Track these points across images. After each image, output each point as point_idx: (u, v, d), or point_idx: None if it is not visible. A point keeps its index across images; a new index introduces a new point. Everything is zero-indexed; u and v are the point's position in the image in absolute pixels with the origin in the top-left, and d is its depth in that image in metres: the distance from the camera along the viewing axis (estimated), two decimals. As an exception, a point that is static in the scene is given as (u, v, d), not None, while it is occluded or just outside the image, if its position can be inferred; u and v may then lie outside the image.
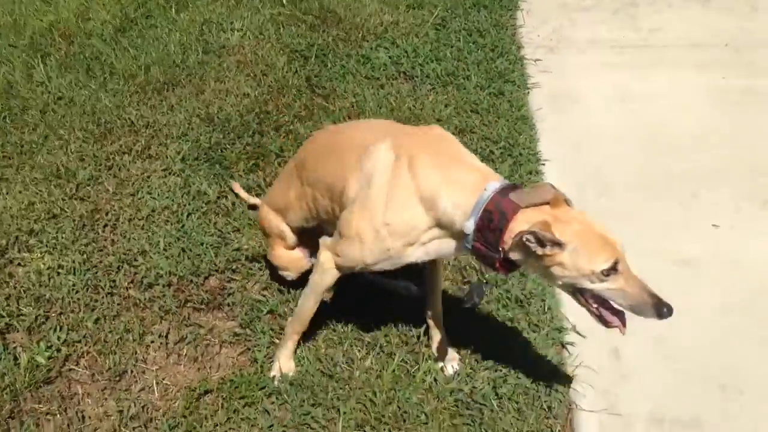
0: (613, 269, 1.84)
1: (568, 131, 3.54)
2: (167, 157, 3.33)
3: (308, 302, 2.29)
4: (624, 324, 1.93)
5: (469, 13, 4.46)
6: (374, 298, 2.63)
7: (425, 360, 2.42)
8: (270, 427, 2.26)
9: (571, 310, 2.49)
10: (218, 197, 3.11)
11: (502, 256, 1.89)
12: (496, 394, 2.31)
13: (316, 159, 2.29)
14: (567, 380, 2.36)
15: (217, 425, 2.26)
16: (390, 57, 4.04)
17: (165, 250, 2.85)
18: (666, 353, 2.46)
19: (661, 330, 2.23)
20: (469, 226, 1.91)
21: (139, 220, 3.00)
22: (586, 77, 3.94)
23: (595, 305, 1.92)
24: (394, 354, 2.44)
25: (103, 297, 2.67)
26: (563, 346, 2.49)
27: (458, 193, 1.93)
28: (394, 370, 2.38)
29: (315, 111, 3.63)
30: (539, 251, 1.83)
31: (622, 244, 1.86)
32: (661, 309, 1.84)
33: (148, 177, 3.22)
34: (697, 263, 2.78)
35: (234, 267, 2.80)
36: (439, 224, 1.97)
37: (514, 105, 3.63)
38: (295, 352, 2.42)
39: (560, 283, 1.91)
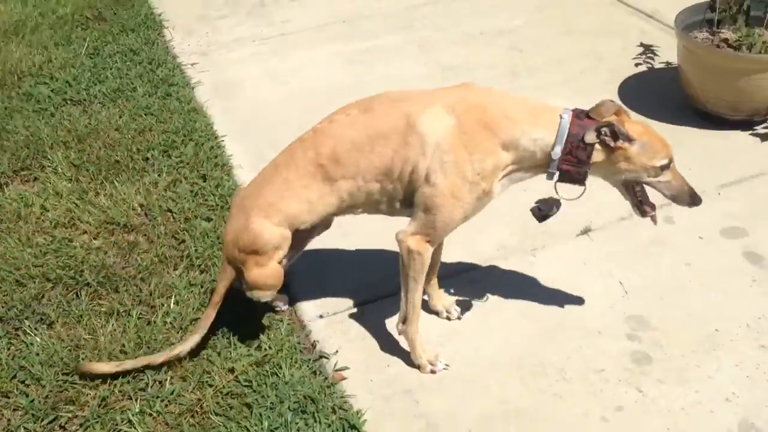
0: (667, 166, 2.25)
1: (237, 111, 4.05)
2: None
3: (419, 292, 2.37)
4: (655, 215, 2.37)
5: (119, 38, 4.77)
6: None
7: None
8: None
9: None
10: None
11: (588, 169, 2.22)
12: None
13: (356, 151, 2.22)
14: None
15: None
16: (52, 89, 4.20)
17: None
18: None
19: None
20: (557, 153, 2.19)
21: None
22: (240, 68, 4.49)
23: (640, 197, 2.34)
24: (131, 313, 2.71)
25: None
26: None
27: (535, 130, 2.19)
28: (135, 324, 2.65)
29: (-10, 149, 3.68)
30: (612, 144, 2.17)
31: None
32: (695, 200, 2.31)
33: None
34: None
35: None
36: (520, 159, 2.23)
37: (182, 101, 4.03)
38: None
39: (622, 177, 2.26)
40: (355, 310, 2.74)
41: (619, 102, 2.44)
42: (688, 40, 3.61)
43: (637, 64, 4.27)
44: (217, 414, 2.33)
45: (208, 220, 3.14)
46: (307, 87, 4.25)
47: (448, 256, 2.84)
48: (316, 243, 2.65)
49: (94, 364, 2.42)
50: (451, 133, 2.17)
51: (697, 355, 2.51)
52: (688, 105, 3.77)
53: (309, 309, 2.75)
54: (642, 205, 2.38)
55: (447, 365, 2.51)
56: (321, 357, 2.54)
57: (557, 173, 2.26)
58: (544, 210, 2.48)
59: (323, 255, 2.96)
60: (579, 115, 2.24)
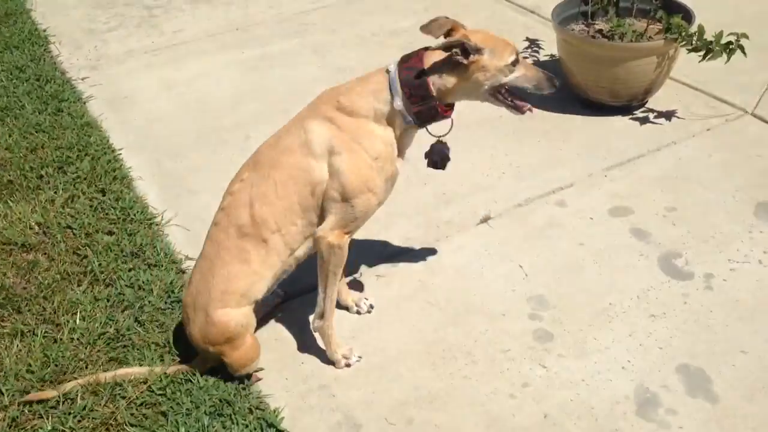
0: (516, 60, 2.29)
1: (133, 123, 3.98)
2: None
3: (336, 287, 2.44)
4: (531, 107, 2.40)
5: (2, 55, 4.59)
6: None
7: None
8: None
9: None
10: None
11: (437, 101, 2.25)
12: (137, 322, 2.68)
13: (268, 205, 2.29)
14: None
15: None
16: (-68, 111, 4.00)
17: None
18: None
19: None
20: (398, 103, 2.24)
21: None
22: (134, 80, 4.41)
23: (510, 98, 2.36)
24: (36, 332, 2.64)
25: None
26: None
27: (377, 92, 2.26)
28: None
29: None
30: (465, 61, 2.19)
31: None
32: (553, 81, 2.37)
33: None
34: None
35: None
36: (392, 124, 2.29)
37: (75, 116, 3.93)
38: None
39: (483, 88, 2.28)
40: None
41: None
42: (565, 33, 3.82)
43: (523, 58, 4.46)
44: (132, 425, 2.30)
45: (110, 233, 3.09)
46: (203, 96, 4.22)
47: (357, 251, 2.91)
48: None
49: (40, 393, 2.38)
50: (333, 136, 2.27)
51: (594, 329, 2.67)
52: (572, 94, 3.98)
53: (220, 315, 2.75)
54: (516, 104, 2.41)
55: (360, 357, 2.57)
56: (236, 361, 2.55)
57: (413, 118, 2.30)
58: (436, 156, 2.54)
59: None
60: (403, 59, 2.30)
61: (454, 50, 2.21)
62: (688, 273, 2.87)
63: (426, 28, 2.27)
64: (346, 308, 2.77)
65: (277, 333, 2.69)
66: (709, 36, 3.52)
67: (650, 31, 3.78)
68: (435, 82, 2.27)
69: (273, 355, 2.59)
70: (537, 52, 4.51)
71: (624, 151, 3.61)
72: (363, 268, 2.97)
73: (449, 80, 2.27)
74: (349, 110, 2.29)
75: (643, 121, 3.83)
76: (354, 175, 2.27)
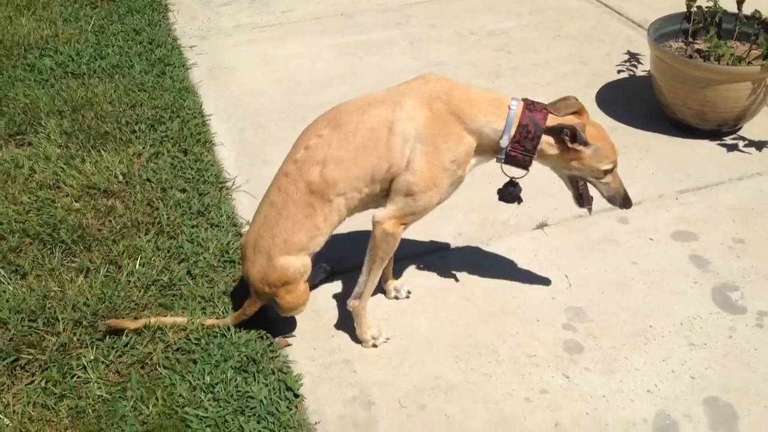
0: (611, 170, 2.43)
1: (227, 93, 4.22)
2: None
3: (380, 272, 2.53)
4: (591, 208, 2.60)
5: (125, 18, 4.96)
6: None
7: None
8: None
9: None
10: None
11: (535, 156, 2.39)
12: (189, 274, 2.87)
13: (342, 169, 2.34)
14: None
15: None
16: (55, 62, 4.38)
17: None
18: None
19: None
20: (505, 141, 2.35)
21: None
22: (236, 53, 4.66)
23: (581, 191, 2.54)
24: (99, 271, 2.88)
25: None
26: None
27: (493, 119, 2.33)
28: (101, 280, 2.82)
29: (-11, 113, 3.88)
30: (569, 144, 2.34)
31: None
32: (627, 203, 2.53)
33: None
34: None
35: None
36: (481, 145, 2.38)
37: (176, 80, 4.20)
38: None
39: (569, 173, 2.47)
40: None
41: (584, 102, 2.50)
42: (659, 49, 3.71)
43: (619, 71, 4.37)
44: (164, 367, 2.49)
45: (183, 191, 3.31)
46: (296, 74, 4.40)
47: (408, 239, 2.98)
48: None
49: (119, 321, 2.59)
50: (426, 125, 2.31)
51: (627, 348, 2.62)
52: (660, 112, 3.87)
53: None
54: (581, 198, 2.58)
55: (387, 338, 2.65)
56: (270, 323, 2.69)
57: (504, 158, 2.42)
58: (509, 197, 2.66)
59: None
60: (530, 106, 2.37)
61: (566, 131, 2.33)
62: (741, 307, 2.77)
63: (553, 106, 2.38)
64: (384, 292, 2.85)
65: (315, 305, 2.80)
66: (811, 66, 3.33)
67: (751, 55, 3.61)
68: (542, 143, 2.37)
69: (307, 324, 2.71)
70: (635, 66, 4.41)
71: (702, 176, 3.48)
72: (412, 257, 3.03)
73: (551, 149, 2.40)
74: (456, 110, 2.33)
75: (731, 148, 3.67)
76: (427, 171, 2.33)
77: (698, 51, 3.75)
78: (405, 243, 3.06)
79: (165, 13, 5.12)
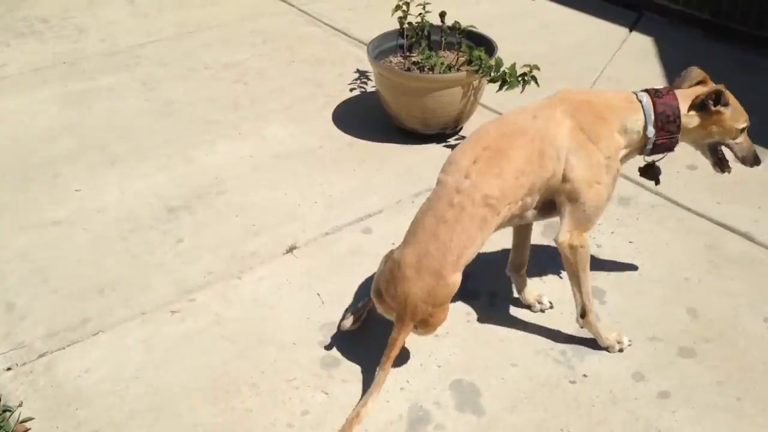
0: (745, 128, 2.56)
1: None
2: None
3: (588, 276, 2.55)
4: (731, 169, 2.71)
5: None
6: None
7: None
8: None
9: None
10: None
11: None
12: None
13: (513, 180, 2.40)
14: None
15: None
16: None
17: None
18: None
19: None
20: (651, 131, 2.48)
21: None
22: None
23: (720, 156, 2.65)
24: None
25: None
26: None
27: (633, 115, 2.48)
28: None
29: None
30: (713, 108, 2.47)
31: None
32: (757, 161, 2.65)
33: None
34: (69, 221, 3.40)
35: None
36: (629, 142, 2.52)
37: None
38: None
39: (709, 140, 2.58)
40: (46, 358, 2.69)
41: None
42: (378, 65, 3.94)
43: (351, 89, 4.57)
44: None
45: None
46: (14, 133, 4.08)
47: (155, 286, 2.89)
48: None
49: None
50: (574, 134, 2.43)
51: (381, 352, 2.72)
52: (390, 124, 4.10)
53: (-3, 362, 2.66)
54: (722, 163, 2.70)
55: (630, 340, 2.72)
56: (5, 411, 2.45)
57: (651, 148, 2.56)
58: (654, 176, 2.78)
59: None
60: (656, 93, 2.53)
61: (712, 95, 2.48)
62: (474, 291, 2.98)
63: (680, 81, 2.60)
64: (529, 306, 2.92)
65: (54, 378, 2.60)
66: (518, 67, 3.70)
67: (460, 62, 3.95)
68: (683, 120, 2.50)
69: (45, 403, 2.51)
70: (365, 83, 4.63)
71: (433, 177, 3.67)
72: (156, 305, 2.93)
73: (692, 121, 2.53)
74: (600, 115, 2.47)
75: (455, 147, 3.96)
76: (587, 173, 2.43)
77: (415, 63, 4.02)
78: (153, 290, 2.98)
79: None
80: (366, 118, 4.24)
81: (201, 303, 2.96)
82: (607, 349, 2.69)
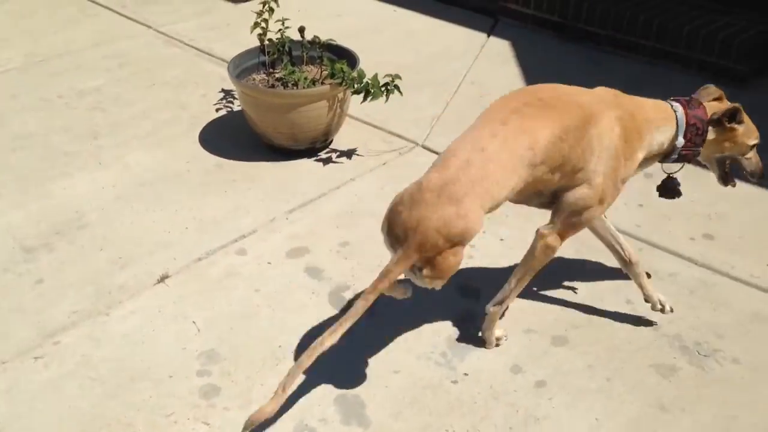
0: (755, 145, 2.62)
1: None
2: None
3: (525, 283, 2.55)
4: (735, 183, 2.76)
5: None
6: None
7: None
8: None
9: None
10: None
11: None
12: None
13: (559, 141, 2.30)
14: None
15: None
16: None
17: None
18: None
19: None
20: (680, 142, 2.51)
21: None
22: None
23: (726, 170, 2.69)
24: None
25: None
26: None
27: (665, 125, 2.51)
28: None
29: None
30: (728, 125, 2.52)
31: None
32: (764, 176, 2.70)
33: None
34: None
35: None
36: (648, 154, 2.53)
37: None
38: None
39: (719, 155, 2.64)
40: None
41: None
42: (241, 84, 3.88)
43: (217, 109, 4.48)
44: None
45: None
46: None
47: (6, 337, 2.68)
48: None
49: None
50: (617, 141, 2.40)
51: (262, 374, 2.66)
52: (259, 142, 4.04)
53: None
54: (727, 177, 2.75)
55: (506, 336, 2.77)
56: None
57: (676, 157, 2.59)
58: (671, 191, 2.79)
59: None
60: (690, 105, 2.56)
61: (727, 112, 2.54)
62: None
63: (698, 94, 2.65)
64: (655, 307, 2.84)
65: None
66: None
67: (323, 76, 3.94)
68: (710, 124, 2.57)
69: None
70: (231, 102, 4.55)
71: (305, 192, 3.71)
72: (16, 352, 2.73)
73: (710, 136, 2.58)
74: (638, 128, 2.46)
75: (326, 161, 3.97)
76: (602, 186, 2.40)
77: (279, 80, 3.98)
78: (12, 337, 2.78)
79: None
80: (234, 137, 4.15)
81: (66, 345, 2.79)
82: (485, 344, 2.75)
